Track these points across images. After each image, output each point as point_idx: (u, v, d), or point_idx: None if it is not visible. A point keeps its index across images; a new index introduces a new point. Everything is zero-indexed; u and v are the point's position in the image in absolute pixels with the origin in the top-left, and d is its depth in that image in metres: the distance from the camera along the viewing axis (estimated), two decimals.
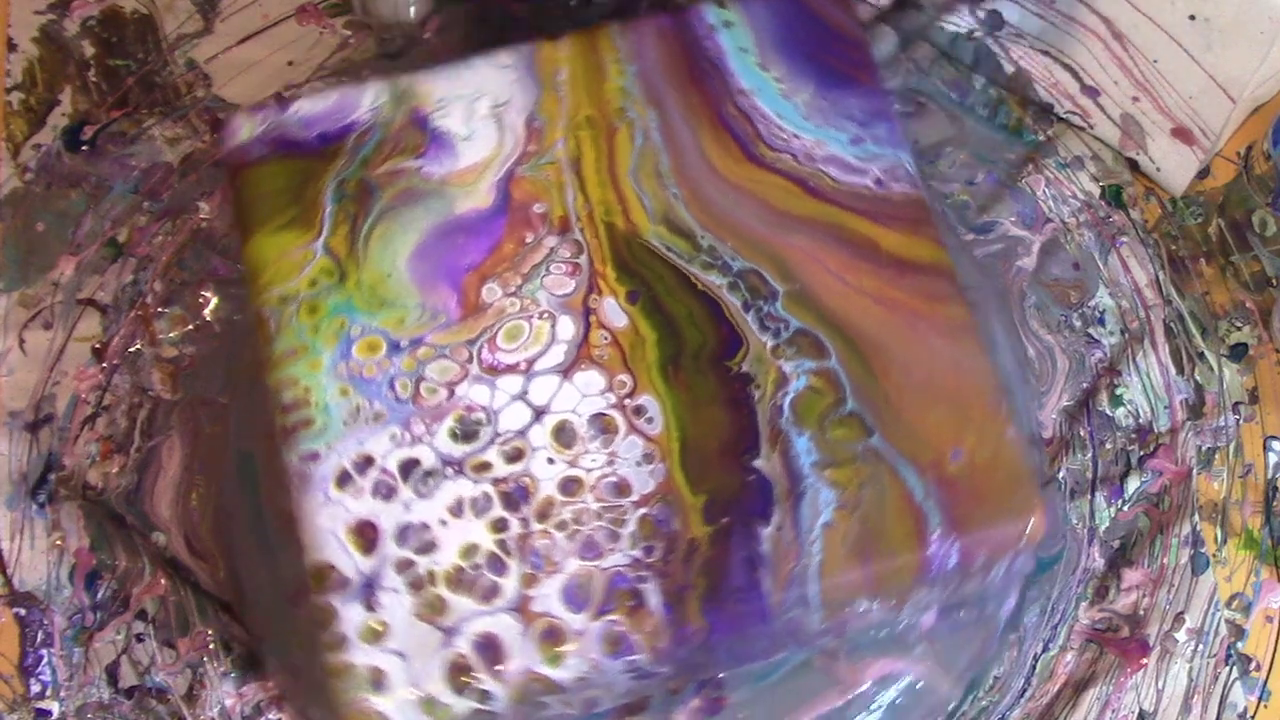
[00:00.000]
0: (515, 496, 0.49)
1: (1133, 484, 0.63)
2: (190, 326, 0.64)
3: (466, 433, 0.49)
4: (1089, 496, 0.63)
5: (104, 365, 0.64)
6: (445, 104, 0.54)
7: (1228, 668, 0.59)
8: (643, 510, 0.48)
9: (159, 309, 0.65)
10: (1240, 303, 0.66)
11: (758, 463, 0.49)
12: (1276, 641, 0.60)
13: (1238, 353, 0.65)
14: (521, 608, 0.47)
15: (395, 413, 0.49)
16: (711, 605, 0.47)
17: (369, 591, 0.47)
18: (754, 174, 0.53)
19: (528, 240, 0.52)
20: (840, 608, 0.49)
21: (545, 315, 0.51)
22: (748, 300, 0.51)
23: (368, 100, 0.54)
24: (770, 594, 0.47)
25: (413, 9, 0.67)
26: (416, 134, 0.53)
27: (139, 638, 0.59)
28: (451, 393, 0.50)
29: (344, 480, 0.49)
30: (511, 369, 0.50)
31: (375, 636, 0.47)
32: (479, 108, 0.54)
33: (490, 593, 0.48)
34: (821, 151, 0.54)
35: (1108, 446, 0.63)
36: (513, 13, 0.71)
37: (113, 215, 0.67)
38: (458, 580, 0.48)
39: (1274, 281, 0.66)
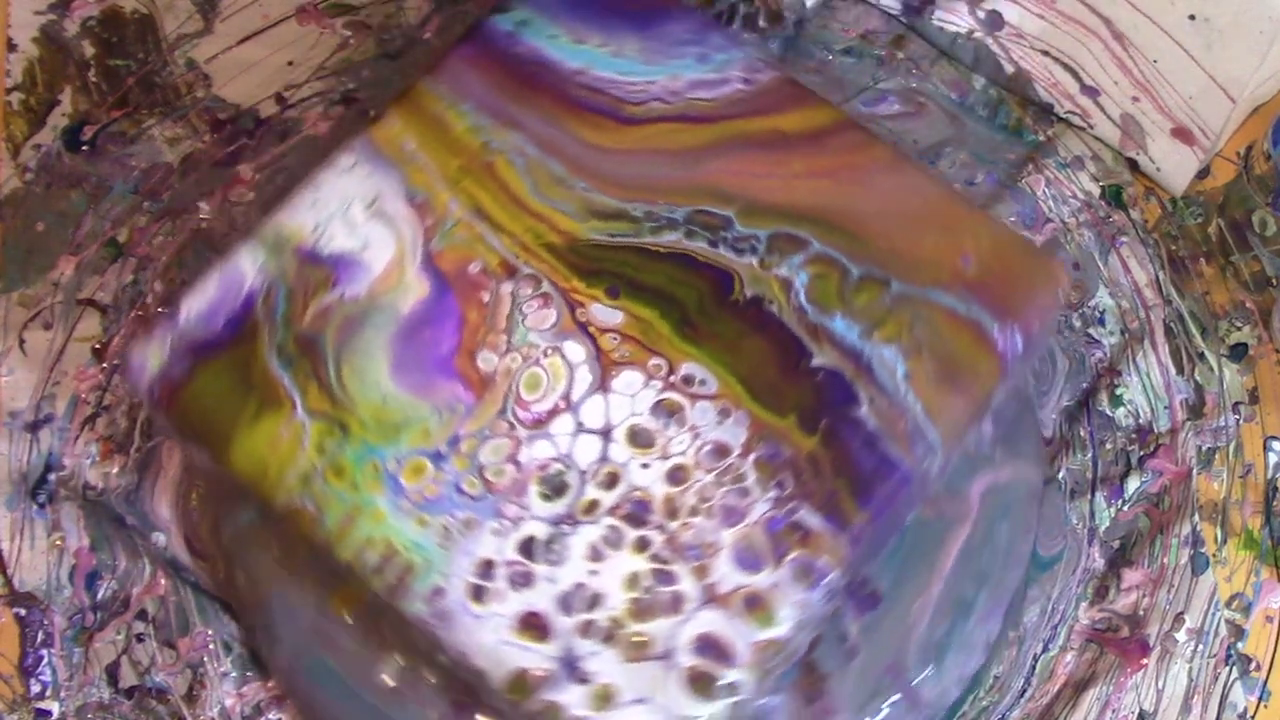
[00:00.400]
0: (637, 513, 0.48)
1: (1133, 484, 0.63)
2: None
3: (555, 487, 0.49)
4: (1089, 496, 0.63)
5: (104, 365, 0.64)
6: (322, 228, 0.51)
7: (1228, 668, 0.59)
8: (752, 457, 0.49)
9: (159, 309, 0.65)
10: (1240, 303, 0.66)
11: (816, 361, 0.50)
12: (1276, 641, 0.60)
13: (1238, 353, 0.65)
14: (712, 598, 0.47)
15: (481, 510, 0.48)
16: (862, 496, 0.48)
17: (572, 668, 0.46)
18: (637, 133, 0.54)
19: (485, 299, 0.51)
20: (958, 440, 0.50)
21: (549, 352, 0.50)
22: (710, 238, 0.52)
23: (248, 266, 0.51)
24: (901, 458, 0.49)
25: None
26: (317, 269, 0.51)
27: (139, 638, 0.59)
28: (517, 464, 0.49)
29: (479, 594, 0.47)
30: (554, 413, 0.49)
31: (609, 699, 0.46)
32: (355, 215, 0.52)
33: (676, 603, 0.47)
34: (679, 84, 0.54)
35: (1108, 446, 0.63)
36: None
37: (113, 215, 0.67)
38: (641, 610, 0.47)
39: (1274, 281, 0.66)
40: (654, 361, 0.50)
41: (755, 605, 0.47)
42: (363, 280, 0.51)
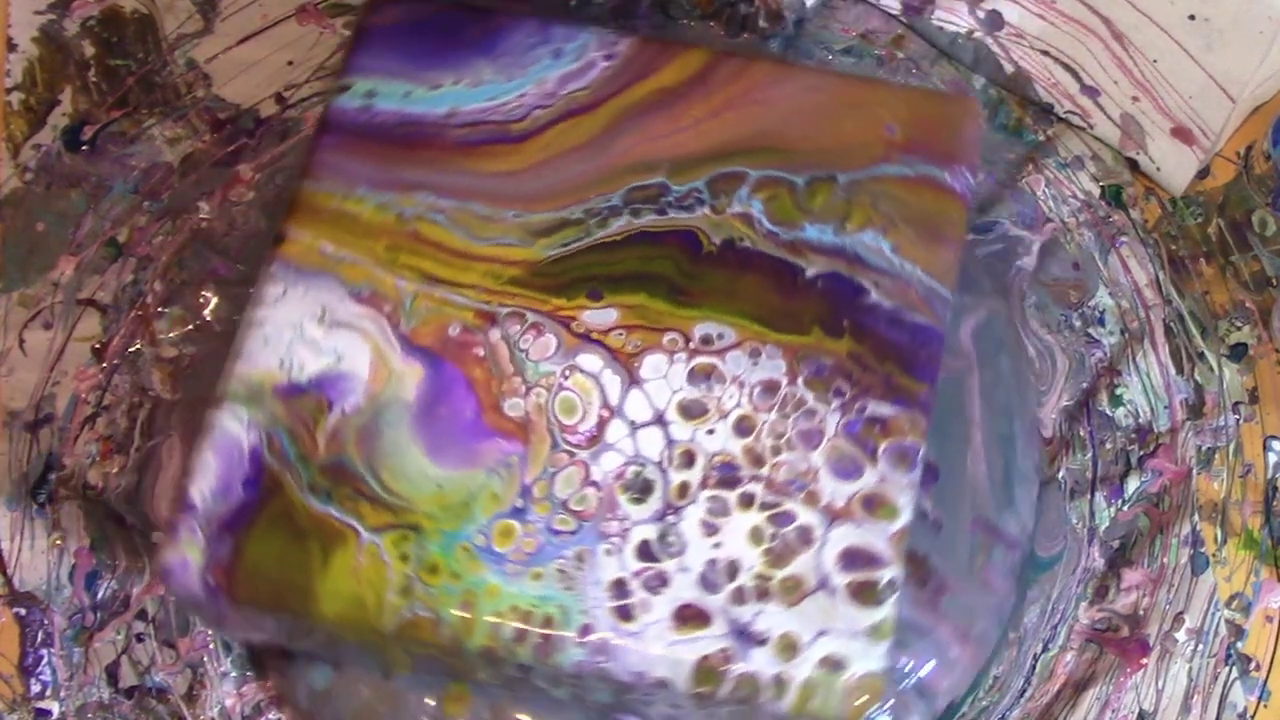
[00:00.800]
0: (727, 476, 0.49)
1: (1133, 484, 0.63)
2: (190, 326, 0.64)
3: (641, 488, 0.49)
4: (1089, 496, 0.63)
5: (104, 365, 0.64)
6: (287, 360, 0.50)
7: (1228, 668, 0.59)
8: (800, 380, 0.51)
9: (159, 309, 0.65)
10: (1240, 303, 0.66)
11: (810, 273, 0.52)
12: (1276, 641, 0.60)
13: (1238, 353, 0.65)
14: (834, 516, 0.49)
15: (585, 539, 0.48)
16: (913, 369, 0.51)
17: (745, 636, 0.47)
18: (534, 145, 0.54)
19: (481, 354, 0.51)
20: (956, 284, 0.53)
21: (567, 373, 0.51)
22: (656, 209, 0.53)
23: (236, 427, 0.49)
24: (927, 321, 0.52)
25: None
26: (304, 400, 0.50)
27: (139, 638, 0.59)
28: (595, 485, 0.49)
29: (625, 613, 0.47)
30: (603, 424, 0.50)
31: (792, 646, 0.47)
32: (314, 335, 0.51)
33: (805, 536, 0.48)
34: (549, 85, 0.55)
35: (1108, 446, 0.63)
36: (513, 12, 0.70)
37: (113, 215, 0.67)
38: (778, 557, 0.48)
39: (1274, 281, 0.66)
40: (667, 338, 0.51)
41: (874, 505, 0.49)
42: (355, 390, 0.50)
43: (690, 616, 0.47)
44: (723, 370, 0.51)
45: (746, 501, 0.49)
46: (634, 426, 0.50)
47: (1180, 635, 0.60)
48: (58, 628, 0.60)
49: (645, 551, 0.48)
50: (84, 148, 0.68)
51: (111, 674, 0.59)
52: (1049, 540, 0.61)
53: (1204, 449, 0.63)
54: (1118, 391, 0.64)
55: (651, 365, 0.51)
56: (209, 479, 0.49)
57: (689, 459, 0.50)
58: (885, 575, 0.48)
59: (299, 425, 0.49)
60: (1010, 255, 0.66)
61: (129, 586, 0.60)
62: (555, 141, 0.54)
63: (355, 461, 0.49)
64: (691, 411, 0.50)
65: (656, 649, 0.47)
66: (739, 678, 0.47)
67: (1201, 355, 0.65)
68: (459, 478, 0.49)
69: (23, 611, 0.60)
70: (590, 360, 0.51)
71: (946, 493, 0.56)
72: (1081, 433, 0.64)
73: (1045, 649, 0.60)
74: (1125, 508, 0.62)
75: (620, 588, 0.48)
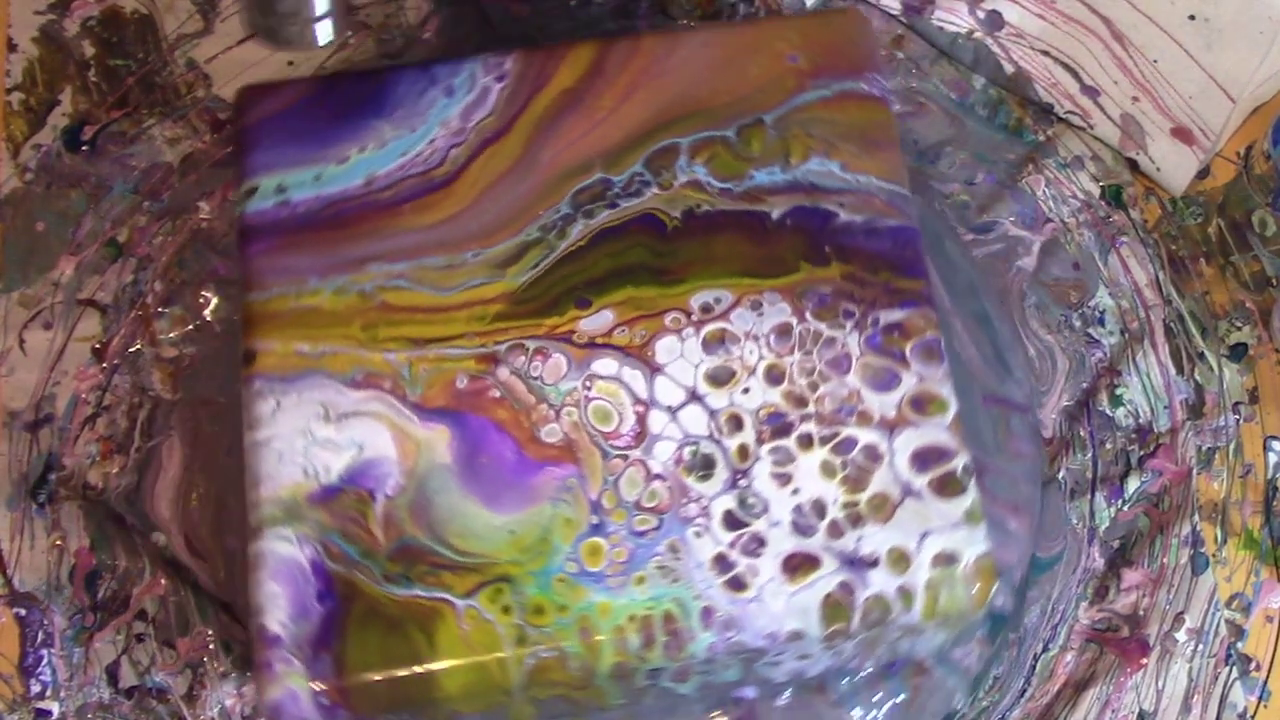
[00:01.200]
0: (778, 425, 0.51)
1: (1133, 484, 0.63)
2: (190, 326, 0.64)
3: (704, 464, 0.50)
4: (1089, 496, 0.63)
5: (104, 365, 0.64)
6: (310, 466, 0.50)
7: (1228, 668, 0.59)
8: (808, 315, 0.52)
9: (159, 309, 0.65)
10: (1240, 303, 0.66)
11: (775, 215, 0.54)
12: (1276, 641, 0.60)
13: (1238, 353, 0.65)
14: (890, 426, 0.51)
15: (671, 530, 0.49)
16: (903, 270, 0.53)
17: (857, 563, 0.49)
18: (464, 182, 0.54)
19: (498, 395, 0.51)
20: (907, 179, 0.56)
21: (588, 384, 0.51)
22: (607, 203, 0.53)
23: (285, 547, 0.48)
24: (903, 223, 0.53)
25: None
26: (343, 498, 0.49)
27: (139, 638, 0.59)
28: (659, 477, 0.50)
29: (737, 584, 0.48)
30: (641, 419, 0.51)
31: (903, 558, 0.49)
32: (324, 433, 0.50)
33: (872, 454, 0.50)
34: (455, 122, 0.55)
35: (1108, 446, 0.63)
36: (513, 13, 0.71)
37: (113, 215, 0.67)
38: (855, 481, 0.50)
39: (1274, 281, 0.66)
40: (669, 318, 0.52)
41: (922, 404, 0.51)
42: (389, 472, 0.50)
43: (799, 565, 0.49)
44: (733, 331, 0.52)
45: (805, 442, 0.50)
46: (672, 411, 0.51)
47: (1180, 635, 0.60)
48: (58, 628, 0.60)
49: (732, 521, 0.49)
50: (84, 148, 0.68)
51: (111, 674, 0.59)
52: (1049, 540, 0.61)
53: (1204, 449, 0.63)
54: (1118, 391, 0.64)
55: (665, 349, 0.51)
56: (281, 607, 0.48)
57: (736, 422, 0.50)
58: (959, 463, 0.50)
59: (349, 524, 0.49)
60: (1010, 255, 0.66)
61: (129, 586, 0.60)
62: (482, 174, 0.54)
63: (420, 538, 0.49)
64: (720, 378, 0.51)
65: (779, 606, 0.48)
66: (866, 604, 0.48)
67: (1201, 355, 0.65)
68: (527, 517, 0.49)
69: (23, 611, 0.60)
70: (605, 365, 0.51)
71: (954, 383, 0.57)
72: (1081, 433, 0.64)
73: (1045, 649, 0.60)
74: (1125, 508, 0.62)
75: (723, 562, 0.49)
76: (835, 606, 0.48)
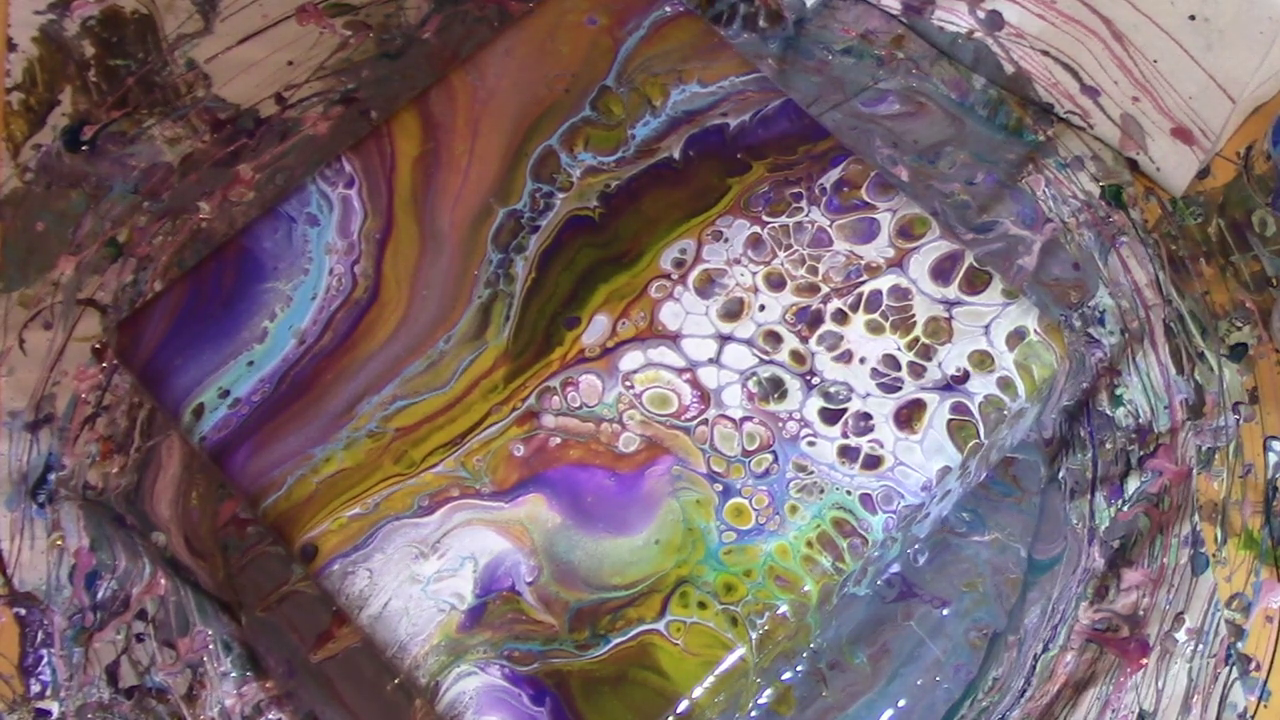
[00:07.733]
0: (809, 317, 0.53)
1: (1133, 484, 0.63)
2: None
3: (773, 386, 0.52)
4: (1089, 496, 0.63)
5: (104, 365, 0.64)
6: (444, 603, 0.49)
7: (1228, 668, 0.59)
8: (764, 215, 0.54)
9: None
10: (1240, 303, 0.66)
11: (676, 155, 0.55)
12: (1276, 641, 0.60)
13: (1238, 353, 0.65)
14: (897, 261, 0.54)
15: (787, 452, 0.51)
16: (809, 137, 0.56)
17: (954, 383, 0.52)
18: (390, 291, 0.54)
19: (556, 441, 0.51)
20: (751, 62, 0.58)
21: (629, 384, 0.52)
22: (529, 227, 0.54)
23: (477, 680, 0.48)
24: (779, 100, 0.56)
25: None
26: (493, 609, 0.49)
27: (139, 638, 0.59)
28: (746, 420, 0.52)
29: (872, 463, 0.51)
30: (694, 385, 0.52)
31: (986, 357, 0.53)
32: (431, 568, 0.50)
33: (902, 294, 0.53)
34: (340, 242, 0.55)
35: (1108, 446, 0.63)
36: (512, 13, 0.71)
37: (113, 215, 0.67)
38: (903, 321, 0.53)
39: (1274, 281, 0.66)
40: (654, 288, 0.53)
41: (908, 231, 0.54)
42: (515, 561, 0.50)
43: (908, 416, 0.52)
44: (716, 265, 0.54)
45: (840, 317, 0.53)
46: (715, 361, 0.52)
47: (1180, 635, 0.60)
48: (58, 628, 0.60)
49: (829, 415, 0.52)
50: (84, 148, 0.68)
51: (111, 674, 0.59)
52: (1049, 541, 0.61)
53: (1204, 449, 0.63)
54: (1118, 391, 0.64)
55: (669, 315, 0.53)
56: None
57: (774, 338, 0.53)
58: (969, 259, 0.54)
59: (514, 626, 0.49)
60: (1010, 255, 0.66)
61: (129, 586, 0.60)
62: (399, 272, 0.54)
63: (585, 598, 0.49)
64: (733, 311, 0.53)
65: (916, 458, 0.51)
66: (982, 410, 0.52)
67: (1201, 355, 0.65)
68: (660, 523, 0.50)
69: (23, 611, 0.60)
70: (631, 360, 0.52)
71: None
72: (1081, 433, 0.64)
73: (1045, 649, 0.60)
74: (1125, 508, 0.62)
75: (848, 452, 0.51)
76: (960, 429, 0.51)
